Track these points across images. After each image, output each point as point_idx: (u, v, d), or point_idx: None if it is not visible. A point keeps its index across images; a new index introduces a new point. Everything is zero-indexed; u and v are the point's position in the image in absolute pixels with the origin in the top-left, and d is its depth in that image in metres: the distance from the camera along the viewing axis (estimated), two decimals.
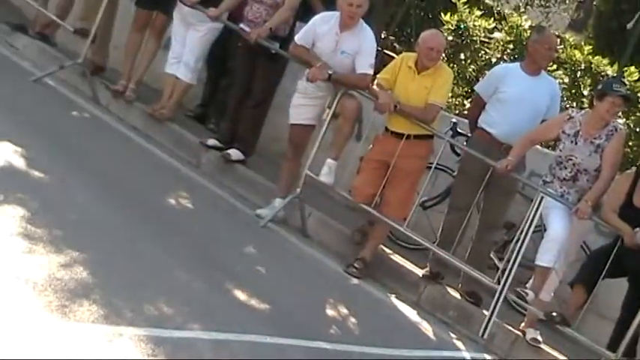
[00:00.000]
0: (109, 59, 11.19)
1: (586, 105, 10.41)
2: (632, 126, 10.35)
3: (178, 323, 5.81)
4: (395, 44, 13.86)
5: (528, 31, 11.31)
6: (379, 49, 10.42)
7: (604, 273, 8.10)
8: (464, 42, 11.45)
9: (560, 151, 8.38)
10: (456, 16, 11.62)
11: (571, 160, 8.31)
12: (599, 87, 8.49)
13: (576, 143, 8.29)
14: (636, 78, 10.73)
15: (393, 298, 8.63)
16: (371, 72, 8.95)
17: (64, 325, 5.08)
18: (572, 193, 8.32)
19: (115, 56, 11.19)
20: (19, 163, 7.52)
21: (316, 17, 9.18)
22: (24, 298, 5.17)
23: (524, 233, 8.27)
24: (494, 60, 11.26)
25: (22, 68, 10.76)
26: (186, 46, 10.26)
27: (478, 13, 11.79)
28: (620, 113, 9.09)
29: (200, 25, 10.16)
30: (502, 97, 8.77)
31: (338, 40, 8.93)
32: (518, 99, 8.70)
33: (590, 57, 11.10)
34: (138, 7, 10.76)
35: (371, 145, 9.09)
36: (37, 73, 10.51)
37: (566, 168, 8.34)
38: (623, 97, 8.22)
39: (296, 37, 9.21)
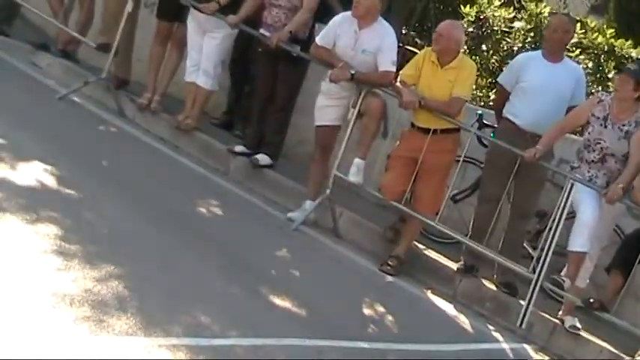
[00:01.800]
0: (132, 72, 11.24)
1: (612, 88, 10.35)
2: None
3: (216, 331, 5.83)
4: (416, 39, 13.84)
5: (548, 18, 11.28)
6: (400, 45, 10.41)
7: None
8: (485, 33, 11.43)
9: (589, 134, 8.35)
10: (475, 7, 11.60)
11: (599, 143, 8.27)
12: None
13: (605, 127, 8.26)
14: None
15: (428, 293, 8.62)
16: (393, 69, 8.95)
17: (102, 338, 5.11)
18: (600, 176, 8.28)
19: (138, 69, 11.25)
20: (49, 180, 7.57)
21: (336, 17, 9.20)
22: (61, 313, 5.21)
23: (556, 221, 8.24)
24: (515, 49, 11.22)
25: (47, 87, 10.83)
26: (204, 53, 10.27)
27: (497, 3, 11.76)
28: None
29: (216, 31, 10.18)
30: (524, 86, 8.75)
31: (357, 38, 8.95)
32: (540, 87, 8.68)
33: (613, 40, 11.04)
34: (159, 19, 10.80)
35: (398, 142, 9.09)
36: (62, 91, 10.57)
37: (594, 151, 8.31)
38: (629, 73, 8.23)
39: (317, 39, 9.24)
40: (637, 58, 10.66)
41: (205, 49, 10.27)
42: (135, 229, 7.27)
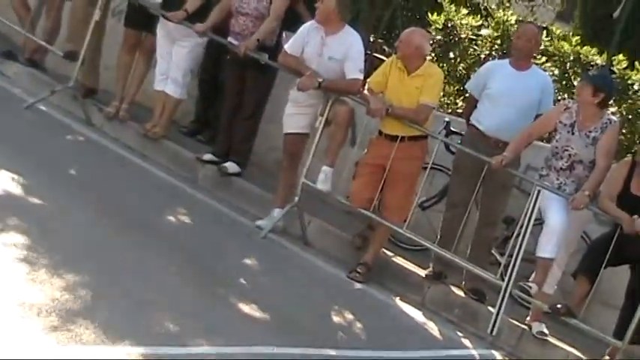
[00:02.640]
0: (100, 81, 11.20)
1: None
2: (624, 114, 10.35)
3: (184, 340, 5.83)
4: (384, 47, 13.87)
5: (515, 26, 11.33)
6: (368, 52, 10.42)
7: (606, 262, 8.11)
8: (452, 40, 11.47)
9: (557, 141, 8.40)
10: (442, 15, 11.64)
11: (567, 150, 8.32)
12: None
13: (572, 134, 8.31)
14: (625, 66, 10.74)
15: (397, 300, 8.64)
16: (361, 77, 8.98)
17: (70, 348, 5.09)
18: (569, 184, 8.33)
19: (105, 77, 11.21)
20: (16, 189, 7.53)
21: (305, 25, 9.22)
22: (29, 323, 5.19)
23: (524, 227, 8.29)
24: (483, 57, 11.27)
25: (14, 95, 10.77)
26: (173, 61, 10.26)
27: (464, 11, 11.81)
28: (611, 102, 9.14)
29: (185, 40, 10.18)
30: (489, 93, 8.82)
31: (323, 44, 8.97)
32: (504, 93, 8.75)
33: (579, 47, 11.11)
34: (127, 28, 10.77)
35: (365, 150, 9.11)
36: (29, 100, 10.52)
37: (562, 158, 8.36)
38: (587, 79, 8.33)
39: (285, 46, 9.25)
40: (601, 65, 10.73)
41: (175, 57, 10.26)
42: (103, 238, 7.25)
